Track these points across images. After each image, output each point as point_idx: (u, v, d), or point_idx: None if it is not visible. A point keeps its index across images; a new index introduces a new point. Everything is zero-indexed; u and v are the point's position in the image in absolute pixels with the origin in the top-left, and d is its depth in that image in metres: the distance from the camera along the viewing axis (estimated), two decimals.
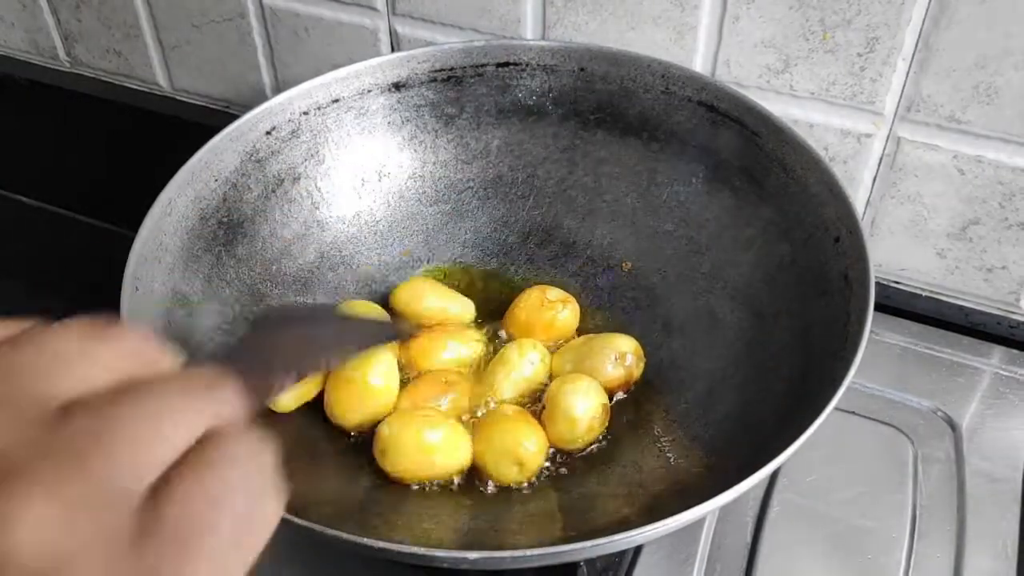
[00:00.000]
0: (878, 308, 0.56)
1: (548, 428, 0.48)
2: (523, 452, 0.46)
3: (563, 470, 0.48)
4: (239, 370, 0.22)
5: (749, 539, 0.49)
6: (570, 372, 0.50)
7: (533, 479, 0.47)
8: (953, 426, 0.53)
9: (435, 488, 0.47)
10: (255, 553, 0.19)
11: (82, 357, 0.19)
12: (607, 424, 0.49)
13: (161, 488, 0.18)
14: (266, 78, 0.73)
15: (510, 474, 0.47)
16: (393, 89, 0.57)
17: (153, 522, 0.17)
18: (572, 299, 0.54)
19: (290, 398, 0.48)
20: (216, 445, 0.19)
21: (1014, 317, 0.59)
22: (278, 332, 0.32)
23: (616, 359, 0.50)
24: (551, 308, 0.53)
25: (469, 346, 0.53)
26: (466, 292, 0.57)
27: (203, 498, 0.18)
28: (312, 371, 0.32)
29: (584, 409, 0.47)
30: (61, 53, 0.80)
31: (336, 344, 0.37)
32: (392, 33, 0.65)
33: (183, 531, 0.18)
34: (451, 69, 0.57)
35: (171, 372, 0.20)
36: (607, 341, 0.51)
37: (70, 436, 0.17)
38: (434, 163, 0.59)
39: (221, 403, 0.20)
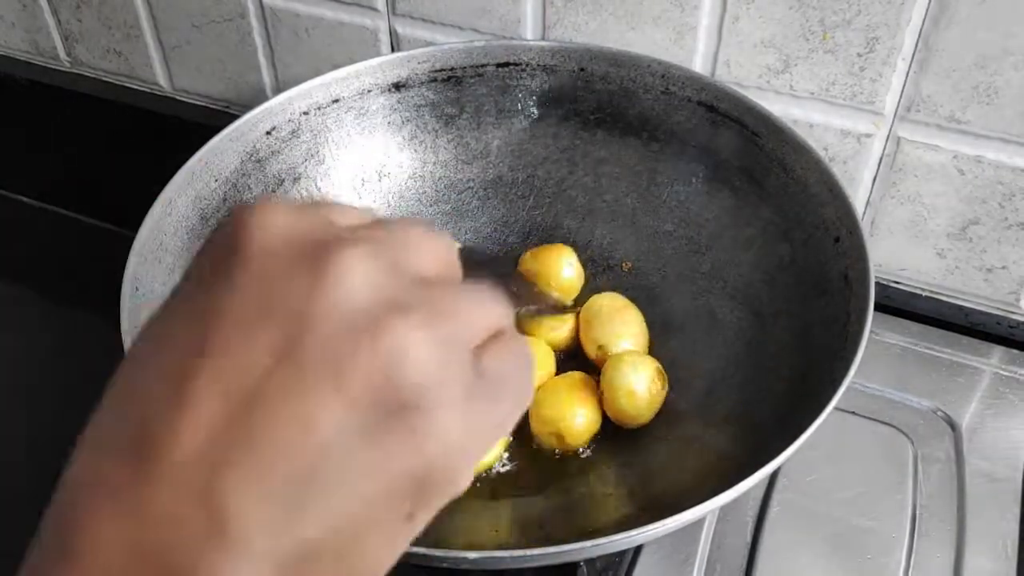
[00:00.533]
0: (878, 308, 0.56)
1: (609, 406, 0.49)
2: (567, 425, 0.48)
3: (563, 469, 0.48)
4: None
5: (749, 539, 0.49)
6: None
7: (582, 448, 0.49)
8: (953, 426, 0.53)
9: None
10: (511, 427, 0.25)
11: (429, 244, 0.24)
12: (663, 397, 0.49)
13: (480, 351, 0.24)
14: (266, 78, 0.73)
15: (552, 443, 0.48)
16: (393, 89, 0.57)
17: (480, 369, 0.23)
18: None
19: None
20: (511, 336, 0.25)
21: (1014, 317, 0.59)
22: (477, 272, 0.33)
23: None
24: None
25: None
26: None
27: (510, 364, 0.24)
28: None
29: (640, 382, 0.48)
30: (61, 53, 0.80)
31: (522, 301, 0.38)
32: (392, 33, 0.65)
33: (498, 381, 0.24)
34: (451, 69, 0.57)
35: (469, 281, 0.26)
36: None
37: (435, 296, 0.23)
38: (434, 163, 0.59)
39: (510, 311, 0.26)
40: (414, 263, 0.23)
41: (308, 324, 0.21)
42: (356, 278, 0.22)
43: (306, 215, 0.23)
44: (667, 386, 0.49)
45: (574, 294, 0.56)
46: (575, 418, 0.48)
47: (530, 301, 0.43)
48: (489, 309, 0.25)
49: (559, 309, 0.49)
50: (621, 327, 0.52)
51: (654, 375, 0.48)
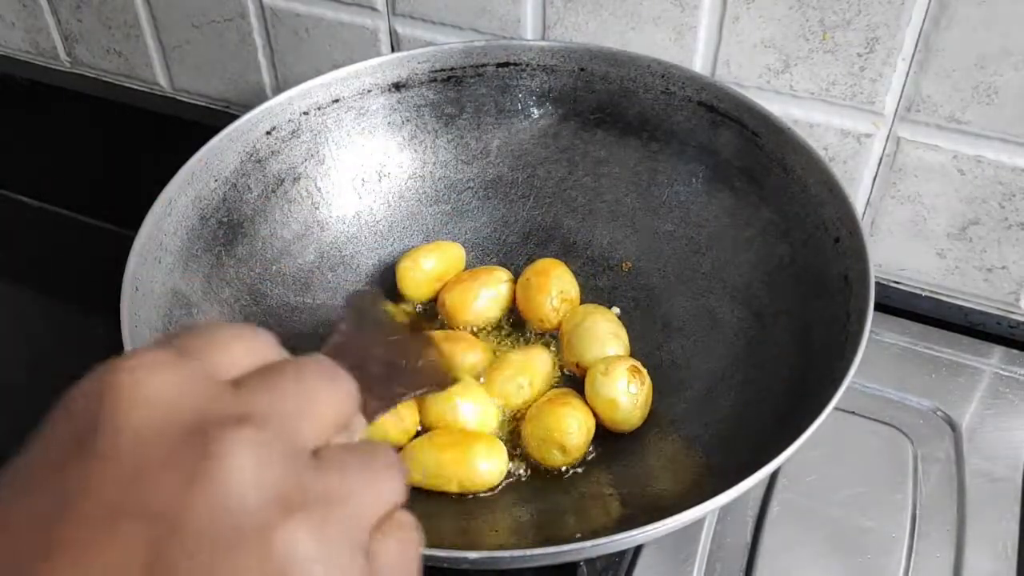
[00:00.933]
0: (878, 308, 0.56)
1: (599, 418, 0.49)
2: (566, 438, 0.47)
3: (563, 470, 0.48)
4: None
5: (749, 539, 0.49)
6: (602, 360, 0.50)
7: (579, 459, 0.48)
8: (953, 426, 0.53)
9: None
10: None
11: (323, 403, 0.22)
12: (648, 393, 0.49)
13: (371, 542, 0.22)
14: (266, 78, 0.73)
15: (555, 459, 0.47)
16: (393, 89, 0.57)
17: (373, 567, 0.21)
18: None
19: None
20: (401, 520, 0.23)
21: (1014, 317, 0.59)
22: (369, 346, 0.31)
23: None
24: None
25: (498, 288, 0.55)
26: None
27: (401, 555, 0.22)
28: (394, 406, 0.32)
29: (617, 389, 0.48)
30: (61, 53, 0.80)
31: (416, 381, 0.37)
32: (392, 33, 0.65)
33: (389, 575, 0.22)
34: (451, 69, 0.57)
35: (363, 435, 0.25)
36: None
37: (329, 483, 0.21)
38: (434, 163, 0.59)
39: (402, 485, 0.23)
40: (308, 430, 0.21)
41: (179, 530, 0.18)
42: (242, 473, 0.19)
43: (186, 377, 0.20)
44: (647, 381, 0.49)
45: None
46: (571, 428, 0.47)
47: (422, 378, 0.41)
48: (383, 488, 0.22)
49: (443, 386, 0.47)
50: (588, 338, 0.51)
51: (629, 378, 0.48)
